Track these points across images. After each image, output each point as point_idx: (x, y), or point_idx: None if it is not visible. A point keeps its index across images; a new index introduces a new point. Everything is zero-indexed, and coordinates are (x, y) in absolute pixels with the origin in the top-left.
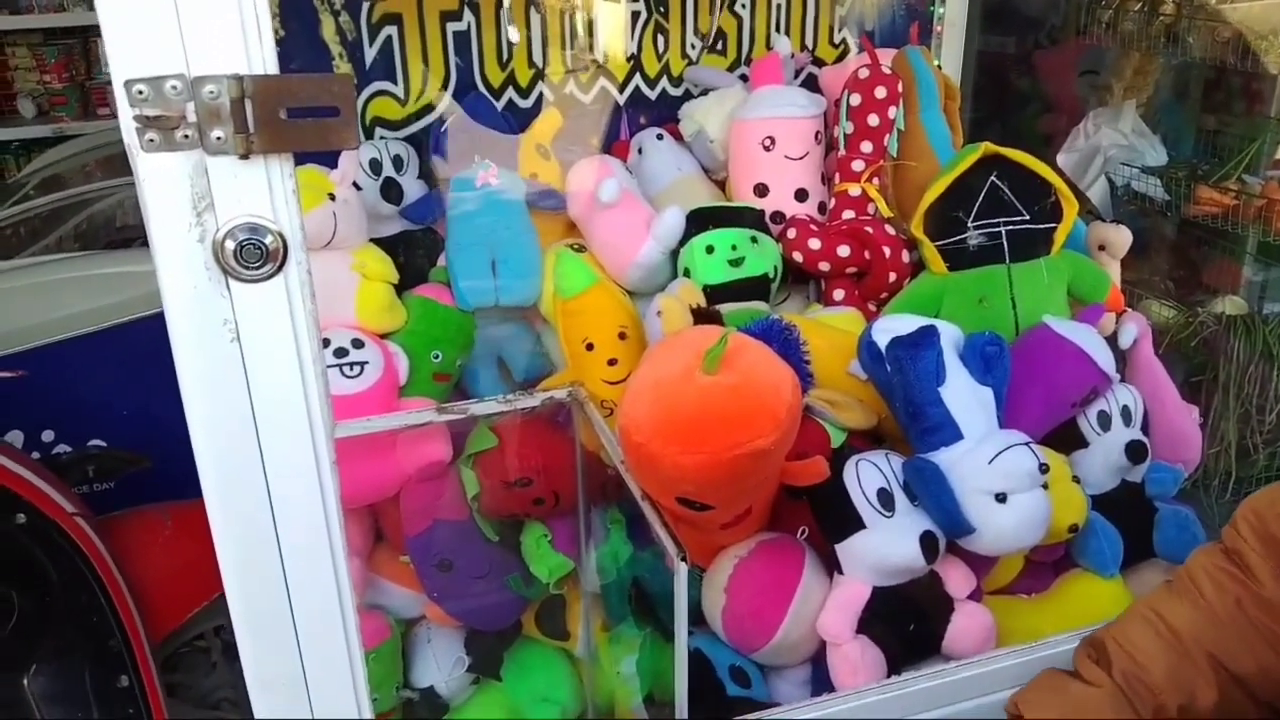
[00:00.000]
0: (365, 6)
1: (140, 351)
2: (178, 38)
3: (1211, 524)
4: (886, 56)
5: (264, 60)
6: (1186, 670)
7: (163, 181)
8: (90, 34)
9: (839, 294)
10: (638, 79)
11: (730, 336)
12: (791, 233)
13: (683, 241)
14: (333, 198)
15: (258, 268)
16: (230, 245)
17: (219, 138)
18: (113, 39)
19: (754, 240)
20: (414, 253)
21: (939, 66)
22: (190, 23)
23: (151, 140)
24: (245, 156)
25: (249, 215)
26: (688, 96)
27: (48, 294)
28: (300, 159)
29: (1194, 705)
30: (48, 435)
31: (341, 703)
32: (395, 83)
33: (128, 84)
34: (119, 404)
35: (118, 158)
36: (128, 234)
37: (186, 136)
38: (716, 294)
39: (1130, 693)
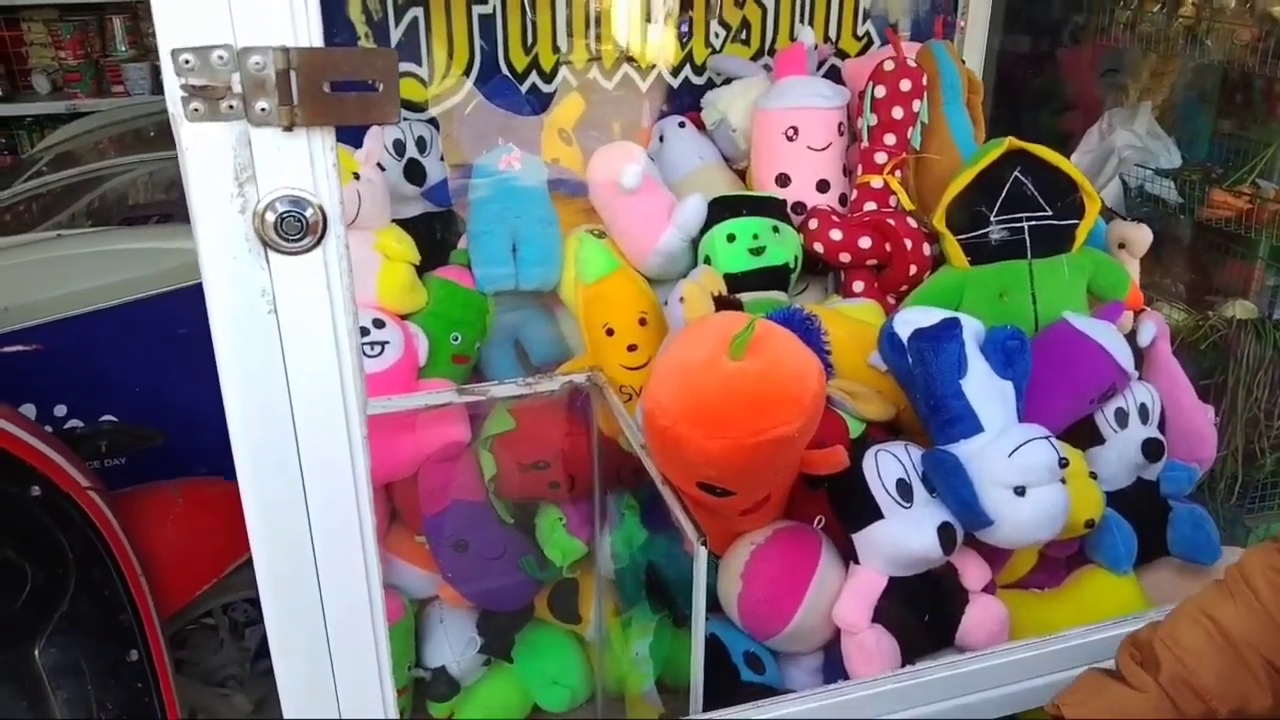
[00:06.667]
0: None
1: (153, 328)
2: (225, 8)
3: (1219, 528)
4: (910, 50)
5: (310, 33)
6: (1239, 674)
7: (206, 151)
8: (106, 11)
9: (858, 285)
10: (660, 66)
11: (757, 323)
12: (813, 223)
13: (704, 229)
14: (357, 177)
15: (297, 240)
16: (271, 217)
17: (263, 109)
18: (161, 8)
19: (775, 230)
20: (435, 234)
21: (963, 61)
22: None
23: (196, 110)
24: (289, 129)
25: (290, 188)
26: (710, 85)
27: (61, 269)
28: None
29: (1246, 711)
30: (60, 410)
31: (365, 677)
32: (420, 64)
33: (174, 53)
34: (132, 380)
35: (131, 135)
36: (141, 211)
37: (231, 107)
38: (736, 282)
39: (1177, 697)
